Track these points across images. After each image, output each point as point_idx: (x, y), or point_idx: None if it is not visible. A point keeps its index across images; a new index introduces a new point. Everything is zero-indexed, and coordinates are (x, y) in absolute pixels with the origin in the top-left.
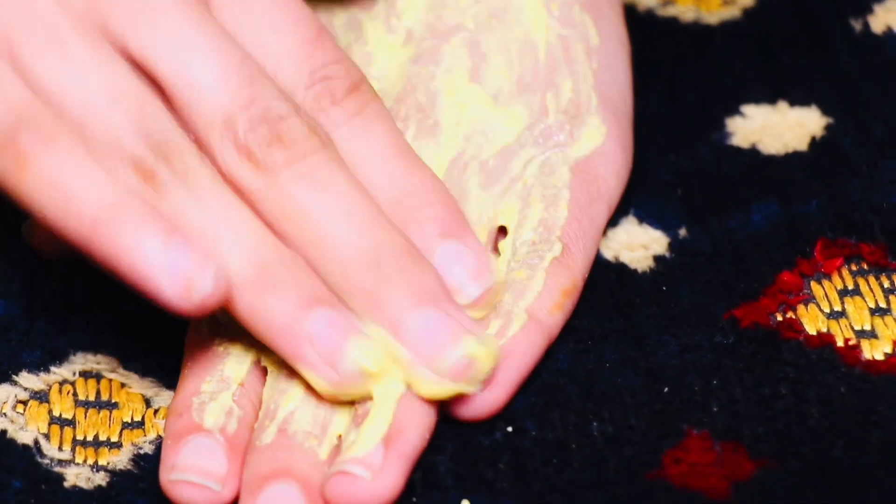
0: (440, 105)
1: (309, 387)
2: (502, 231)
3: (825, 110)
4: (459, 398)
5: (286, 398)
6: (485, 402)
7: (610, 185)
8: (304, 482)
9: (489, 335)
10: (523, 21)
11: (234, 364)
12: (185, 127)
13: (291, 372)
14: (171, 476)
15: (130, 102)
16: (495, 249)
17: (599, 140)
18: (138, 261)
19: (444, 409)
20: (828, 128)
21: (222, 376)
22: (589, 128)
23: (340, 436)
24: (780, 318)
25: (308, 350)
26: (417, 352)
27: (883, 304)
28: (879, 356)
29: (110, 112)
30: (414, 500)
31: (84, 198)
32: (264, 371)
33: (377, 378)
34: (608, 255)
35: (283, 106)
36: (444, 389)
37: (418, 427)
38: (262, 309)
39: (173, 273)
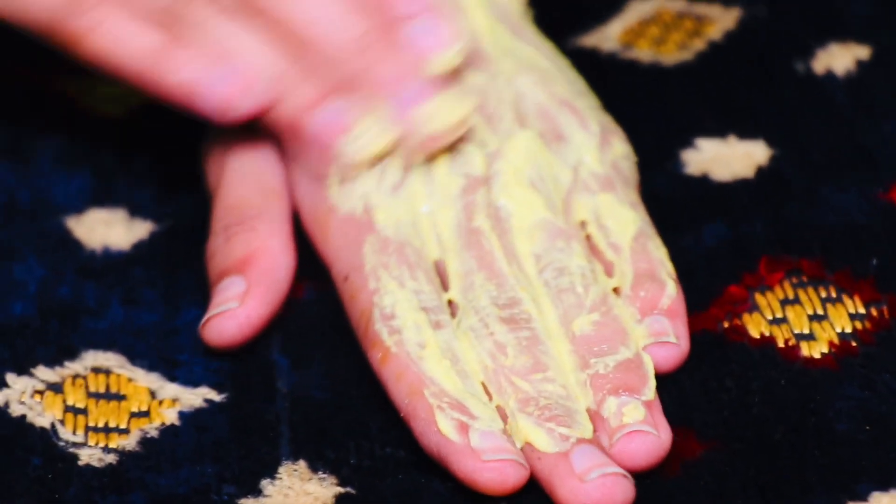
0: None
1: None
2: None
3: (771, 143)
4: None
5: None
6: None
7: None
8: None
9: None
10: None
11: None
12: None
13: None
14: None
15: None
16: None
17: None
18: (189, 83)
19: None
20: (773, 158)
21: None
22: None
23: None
24: (726, 324)
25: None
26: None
27: (820, 311)
28: (817, 355)
29: None
30: None
31: (133, 52)
32: None
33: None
34: None
35: None
36: None
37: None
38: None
39: (219, 90)
